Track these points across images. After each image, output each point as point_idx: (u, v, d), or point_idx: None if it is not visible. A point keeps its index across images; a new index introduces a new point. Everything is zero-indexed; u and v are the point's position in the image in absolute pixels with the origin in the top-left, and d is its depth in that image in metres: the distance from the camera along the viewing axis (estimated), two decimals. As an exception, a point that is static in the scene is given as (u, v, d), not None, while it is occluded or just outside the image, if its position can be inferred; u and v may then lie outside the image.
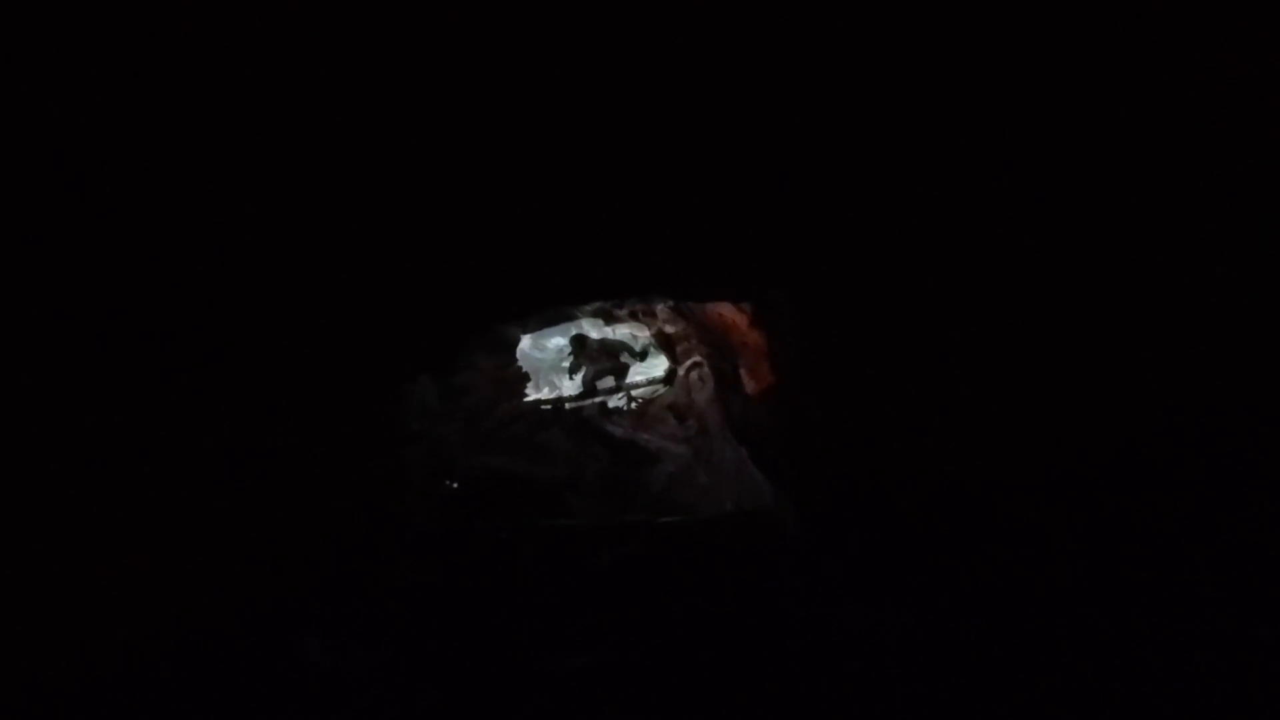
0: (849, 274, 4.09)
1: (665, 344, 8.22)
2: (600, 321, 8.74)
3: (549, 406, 8.13)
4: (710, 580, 4.46)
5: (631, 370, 8.79)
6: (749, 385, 5.89)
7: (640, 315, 8.13)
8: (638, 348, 8.91)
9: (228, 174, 2.97)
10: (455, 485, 6.27)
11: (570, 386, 8.69)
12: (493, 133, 3.30)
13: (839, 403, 4.49)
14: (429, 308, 4.21)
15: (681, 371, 7.97)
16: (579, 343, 8.93)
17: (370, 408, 4.55)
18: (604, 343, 9.07)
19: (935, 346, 3.95)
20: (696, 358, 7.65)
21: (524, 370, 8.32)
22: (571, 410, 8.06)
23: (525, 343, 8.62)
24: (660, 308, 7.73)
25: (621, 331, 8.93)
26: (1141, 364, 3.10)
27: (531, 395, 8.34)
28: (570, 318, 8.51)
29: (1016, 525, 3.50)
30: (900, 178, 3.56)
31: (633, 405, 8.18)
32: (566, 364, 8.98)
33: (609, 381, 8.56)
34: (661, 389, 8.21)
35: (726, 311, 5.74)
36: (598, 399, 8.25)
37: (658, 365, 8.61)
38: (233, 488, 3.53)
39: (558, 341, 9.05)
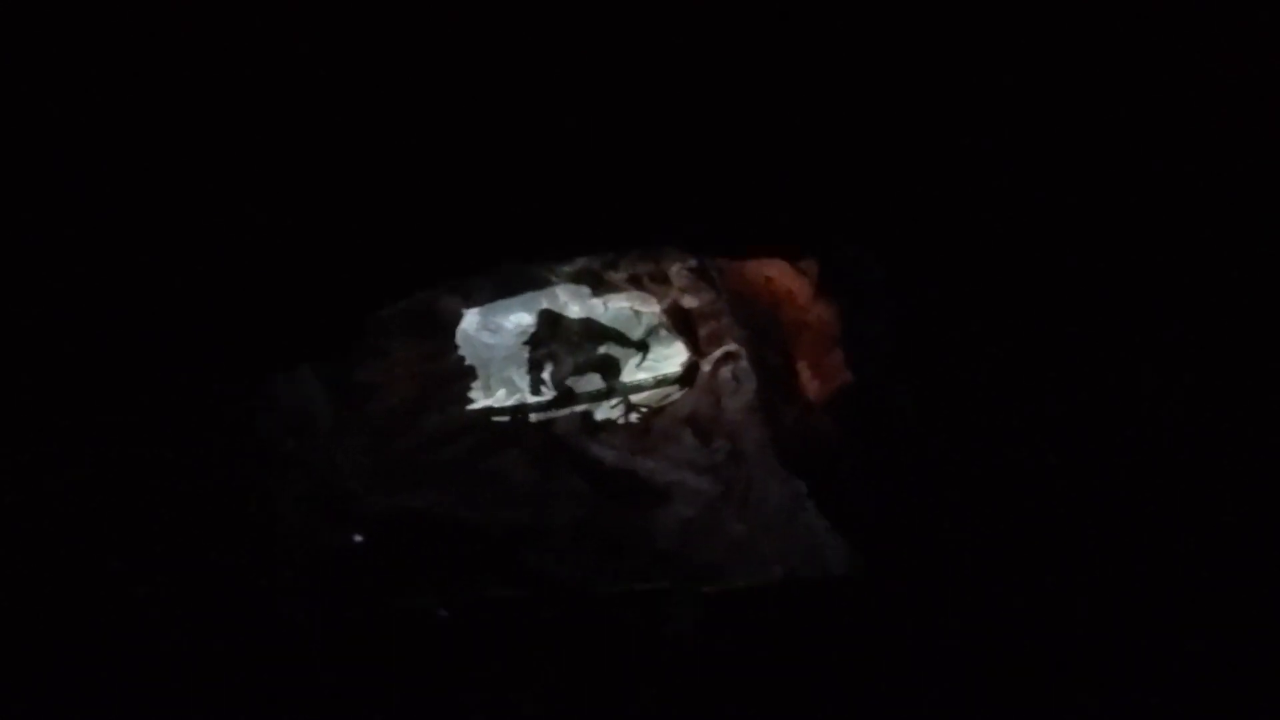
0: (963, 219, 4.12)
1: (682, 324, 8.19)
2: (584, 289, 8.67)
3: (504, 418, 8.15)
4: (750, 684, 4.38)
5: (630, 364, 8.81)
6: (809, 387, 5.92)
7: (645, 280, 8.11)
8: (640, 330, 8.91)
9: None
10: (357, 538, 6.25)
11: (537, 388, 8.72)
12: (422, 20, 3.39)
13: (950, 413, 4.50)
14: (315, 260, 4.19)
15: (706, 366, 7.95)
16: (551, 322, 8.89)
17: (218, 414, 4.55)
18: (589, 322, 9.10)
19: (1092, 329, 4.02)
20: (729, 345, 7.65)
21: (466, 362, 8.32)
22: (538, 424, 8.07)
23: (469, 320, 8.61)
24: (676, 269, 7.72)
25: (616, 305, 8.88)
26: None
27: (477, 401, 8.36)
28: (538, 283, 8.52)
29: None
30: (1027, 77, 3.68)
31: (632, 417, 8.18)
32: (531, 354, 8.93)
33: (595, 381, 8.58)
34: (675, 392, 8.21)
35: (776, 275, 5.79)
36: (578, 407, 8.27)
37: (670, 356, 8.62)
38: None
39: (519, 319, 9.09)
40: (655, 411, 8.15)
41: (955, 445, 4.54)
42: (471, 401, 8.28)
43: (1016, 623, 4.17)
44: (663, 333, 8.74)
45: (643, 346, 8.92)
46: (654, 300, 8.42)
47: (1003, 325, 4.23)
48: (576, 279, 8.42)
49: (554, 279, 8.46)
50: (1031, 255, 4.07)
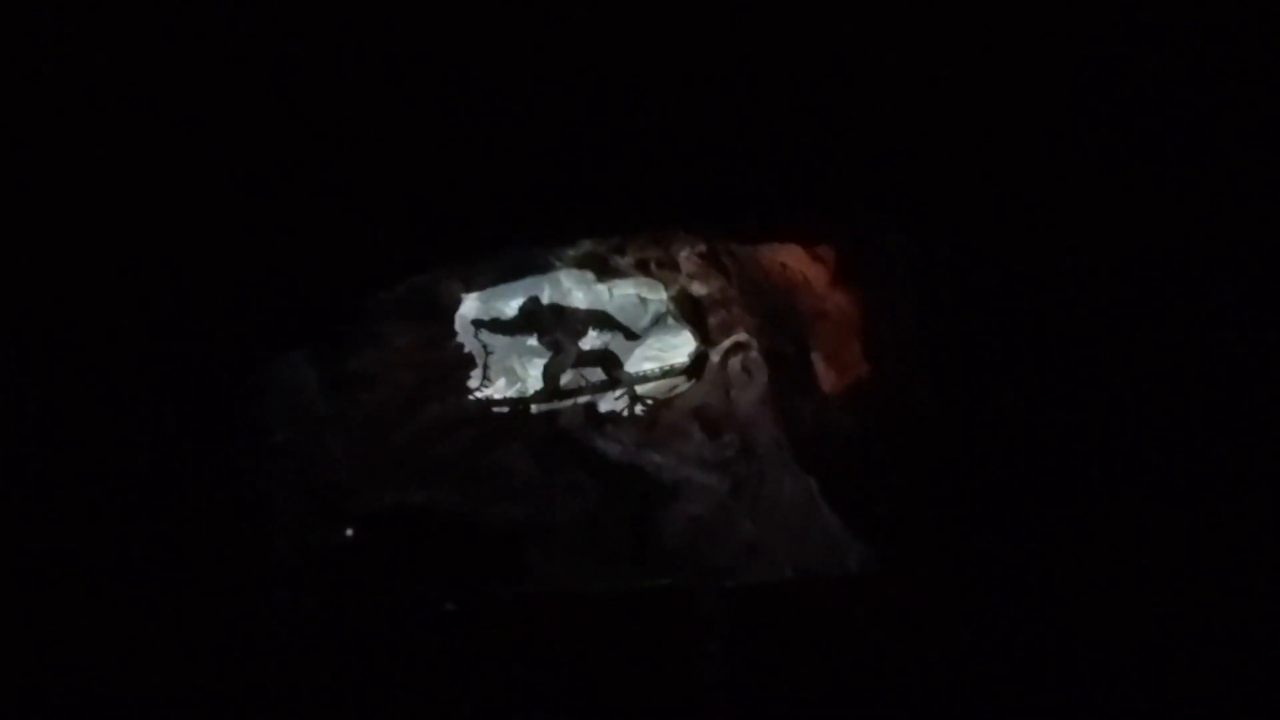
0: (997, 201, 4.05)
1: (691, 311, 8.13)
2: (589, 274, 8.60)
3: (504, 409, 8.13)
4: (762, 691, 4.45)
5: (636, 354, 8.77)
6: (825, 379, 5.90)
7: (653, 265, 8.04)
8: (647, 317, 8.85)
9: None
10: (349, 532, 6.27)
11: (539, 378, 8.63)
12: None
13: (974, 408, 4.46)
14: (307, 242, 4.18)
15: (716, 357, 7.91)
16: (554, 309, 8.84)
17: (210, 404, 4.52)
18: (593, 309, 9.06)
19: (1129, 325, 3.96)
20: (740, 335, 7.63)
21: (464, 350, 8.21)
22: (540, 416, 8.06)
23: (468, 306, 8.49)
24: (685, 253, 7.67)
25: (622, 291, 8.81)
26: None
27: (477, 390, 8.26)
28: (540, 268, 8.42)
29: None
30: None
31: (638, 409, 8.13)
32: (533, 342, 8.81)
33: (600, 371, 8.50)
34: (683, 384, 8.16)
35: (792, 260, 5.75)
36: (581, 399, 8.23)
37: (678, 346, 8.55)
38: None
39: (520, 305, 9.09)
40: (662, 404, 8.09)
41: (978, 441, 4.51)
42: (470, 391, 8.20)
43: (1042, 630, 4.17)
44: (670, 321, 8.68)
45: (651, 331, 8.83)
46: (661, 287, 8.34)
47: (1032, 316, 4.17)
48: (580, 264, 8.35)
49: (557, 263, 8.37)
50: (1066, 244, 3.99)
